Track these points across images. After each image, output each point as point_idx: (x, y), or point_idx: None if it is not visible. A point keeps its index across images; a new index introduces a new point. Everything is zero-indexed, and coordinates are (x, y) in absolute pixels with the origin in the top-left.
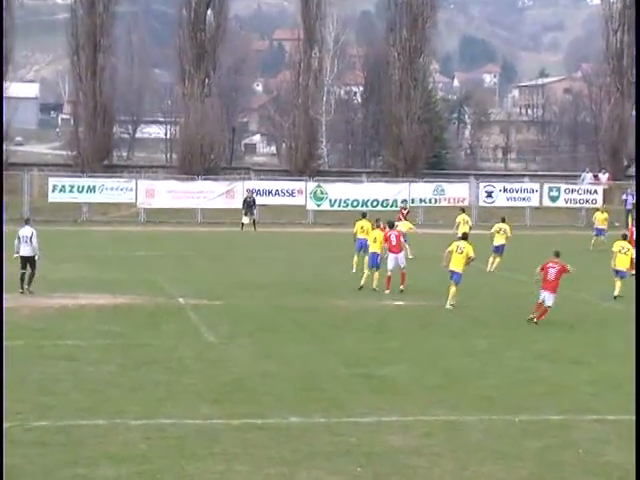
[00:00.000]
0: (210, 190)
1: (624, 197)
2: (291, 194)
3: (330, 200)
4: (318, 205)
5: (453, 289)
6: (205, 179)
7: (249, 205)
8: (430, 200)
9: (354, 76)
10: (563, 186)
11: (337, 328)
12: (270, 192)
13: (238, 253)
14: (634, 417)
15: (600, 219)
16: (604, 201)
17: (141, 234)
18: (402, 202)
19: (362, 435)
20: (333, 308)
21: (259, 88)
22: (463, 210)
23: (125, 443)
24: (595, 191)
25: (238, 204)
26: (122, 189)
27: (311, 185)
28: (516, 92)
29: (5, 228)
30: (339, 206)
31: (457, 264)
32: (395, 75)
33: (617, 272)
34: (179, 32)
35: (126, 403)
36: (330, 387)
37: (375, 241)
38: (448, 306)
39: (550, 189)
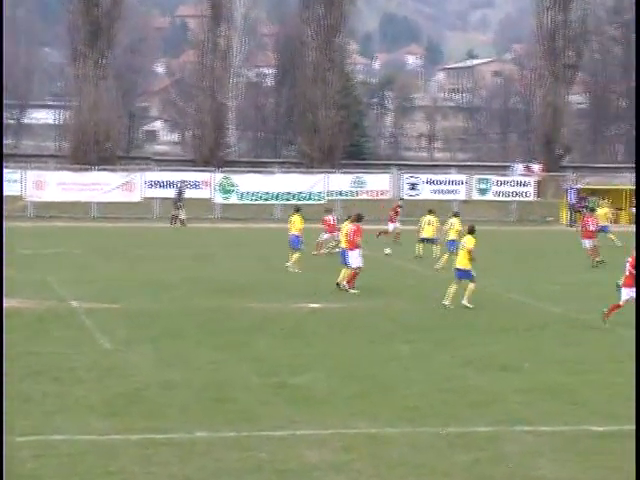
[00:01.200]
0: (106, 182)
1: (566, 187)
2: (196, 186)
3: (239, 193)
4: (226, 198)
5: (454, 288)
6: (100, 170)
7: (181, 197)
8: (349, 193)
9: (265, 57)
10: (493, 178)
11: (249, 333)
12: (173, 184)
13: (139, 251)
14: (567, 428)
15: (600, 215)
16: (538, 194)
17: (29, 230)
18: (400, 199)
19: (275, 450)
20: (245, 311)
21: (160, 70)
22: (430, 211)
23: (11, 461)
24: (527, 183)
25: (137, 197)
26: (7, 180)
27: (218, 176)
28: (442, 75)
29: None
30: (249, 199)
31: (460, 261)
32: (310, 56)
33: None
34: (70, 7)
35: (11, 417)
36: (240, 398)
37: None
38: (465, 303)
39: (479, 181)
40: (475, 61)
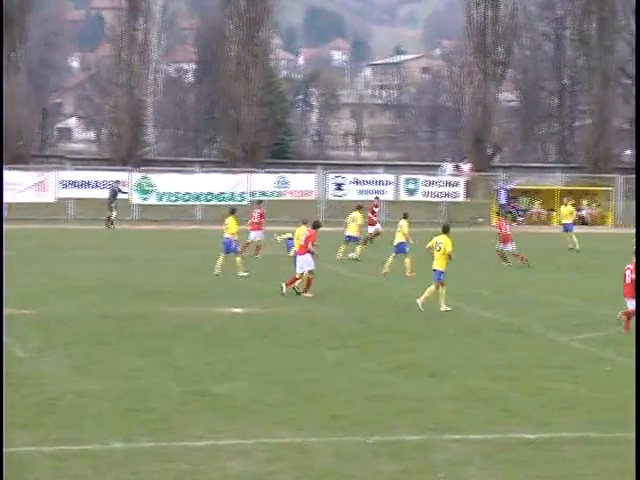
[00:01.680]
0: (17, 182)
1: (496, 187)
2: None
3: (158, 193)
4: (144, 199)
5: (432, 289)
6: (11, 169)
7: (115, 197)
8: (273, 193)
9: (185, 52)
10: (421, 177)
11: (168, 339)
12: (89, 184)
13: (53, 254)
14: (498, 436)
15: (564, 213)
16: (468, 195)
17: None
18: (375, 198)
19: (195, 461)
20: (164, 316)
21: (75, 64)
22: (359, 207)
23: None
24: (457, 183)
25: (51, 197)
26: None
27: (136, 176)
28: (369, 71)
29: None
30: (168, 200)
31: (438, 262)
32: (232, 51)
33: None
34: None
35: None
36: (159, 407)
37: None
38: (445, 308)
39: (407, 181)
40: (403, 57)
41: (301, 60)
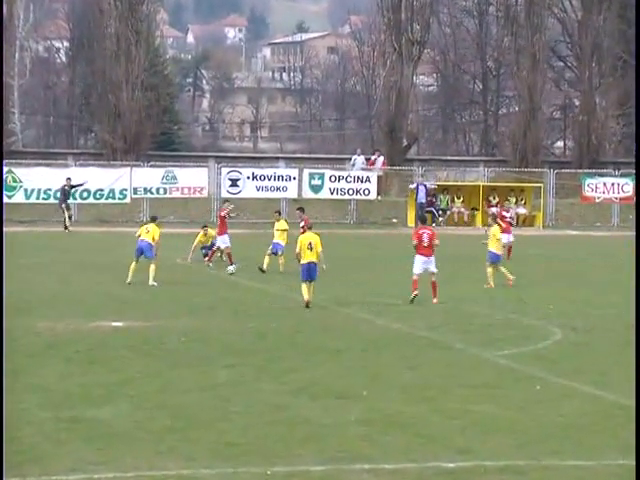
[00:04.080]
0: None
1: (413, 187)
2: None
3: (26, 190)
4: (9, 197)
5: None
6: None
7: (67, 196)
8: (158, 190)
9: (57, 27)
10: (328, 172)
11: (34, 358)
12: None
13: None
14: (414, 465)
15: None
16: (381, 192)
17: None
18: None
19: None
20: (30, 331)
21: None
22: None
23: None
24: (368, 178)
25: None
26: None
27: None
28: (267, 51)
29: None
30: (37, 198)
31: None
32: (111, 27)
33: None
34: None
35: None
36: (25, 435)
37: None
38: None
39: (311, 176)
40: (306, 35)
41: (190, 38)
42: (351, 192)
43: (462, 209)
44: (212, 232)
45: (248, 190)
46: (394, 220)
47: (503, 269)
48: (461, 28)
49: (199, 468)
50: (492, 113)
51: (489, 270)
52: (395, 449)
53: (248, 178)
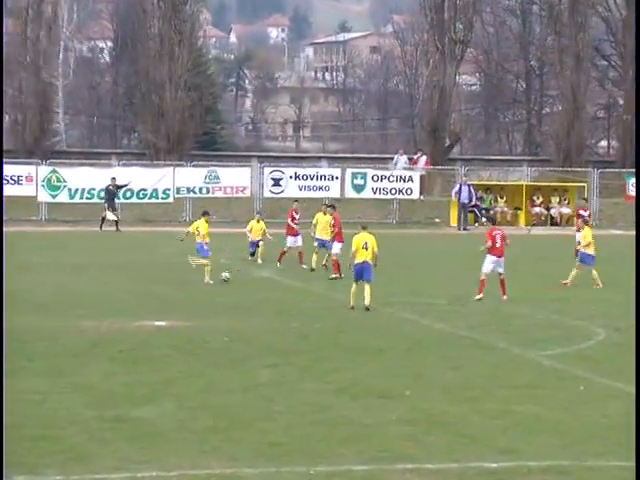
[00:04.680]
0: None
1: (455, 190)
2: (17, 181)
3: (70, 190)
4: (53, 196)
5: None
6: None
7: (112, 197)
8: (201, 190)
9: (101, 28)
10: (370, 172)
11: (80, 357)
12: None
13: None
14: (456, 465)
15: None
16: (424, 191)
17: None
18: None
19: None
20: (75, 331)
21: None
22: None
23: None
24: (411, 178)
25: None
26: None
27: (44, 170)
28: (310, 51)
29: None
30: (81, 198)
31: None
32: (154, 27)
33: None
34: None
35: None
36: (69, 434)
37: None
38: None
39: (354, 176)
40: (349, 35)
41: (233, 38)
42: (393, 192)
43: (505, 209)
44: (262, 225)
45: (291, 189)
46: (437, 220)
47: (594, 273)
48: (504, 27)
49: (242, 467)
50: (535, 112)
51: (576, 272)
52: (437, 449)
53: (290, 177)
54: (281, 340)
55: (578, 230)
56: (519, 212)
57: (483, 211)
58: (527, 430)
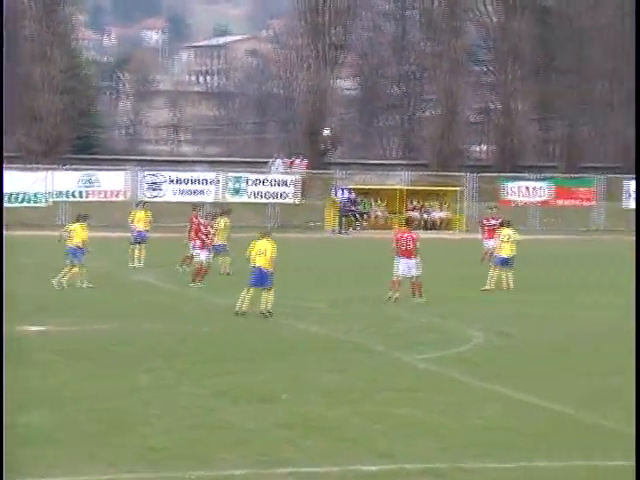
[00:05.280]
0: None
1: (335, 194)
2: None
3: None
4: None
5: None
6: None
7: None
8: (77, 194)
9: None
10: (249, 176)
11: None
12: None
13: None
14: (336, 468)
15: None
16: (302, 195)
17: None
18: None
19: None
20: None
21: None
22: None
23: None
24: (289, 182)
25: None
26: None
27: None
28: (187, 54)
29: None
30: None
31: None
32: (28, 29)
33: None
34: None
35: None
36: None
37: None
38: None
39: (232, 179)
40: (226, 38)
41: (110, 40)
42: (272, 195)
43: (382, 212)
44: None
45: (169, 194)
46: (315, 224)
47: (508, 275)
48: (381, 32)
49: (121, 473)
50: (412, 117)
51: (496, 273)
52: (317, 453)
53: (168, 182)
54: (161, 344)
55: (490, 237)
56: (395, 216)
57: (360, 215)
58: (406, 433)
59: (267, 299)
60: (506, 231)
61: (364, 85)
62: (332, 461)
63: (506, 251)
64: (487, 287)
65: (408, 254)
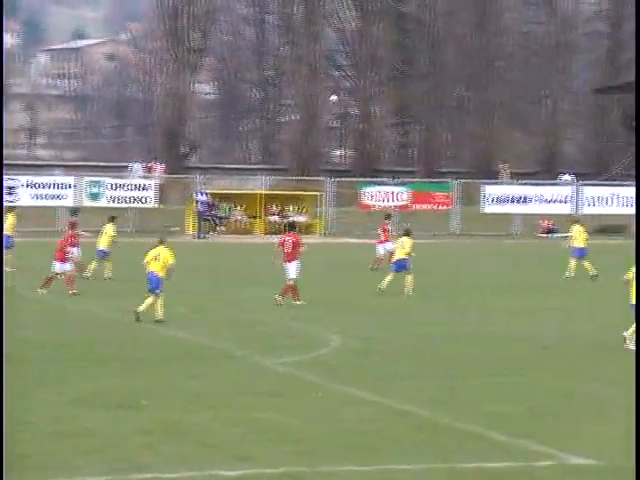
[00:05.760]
0: None
1: (197, 197)
2: None
3: None
4: None
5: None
6: None
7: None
8: None
9: None
10: (107, 180)
11: None
12: None
13: None
14: (194, 473)
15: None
16: (161, 200)
17: None
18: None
19: None
20: None
21: None
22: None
23: None
24: (147, 187)
25: None
26: None
27: None
28: (44, 57)
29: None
30: None
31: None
32: None
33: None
34: None
35: None
36: None
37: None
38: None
39: (90, 184)
40: (84, 42)
41: None
42: (130, 200)
43: (242, 217)
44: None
45: (25, 198)
46: (174, 228)
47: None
48: (240, 36)
49: None
50: (271, 121)
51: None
52: (176, 458)
53: (25, 186)
54: (18, 351)
55: (382, 242)
56: (256, 220)
57: (220, 219)
58: (266, 437)
59: (159, 305)
60: (402, 239)
61: (223, 89)
62: (192, 466)
63: (398, 256)
64: (382, 287)
65: (290, 257)
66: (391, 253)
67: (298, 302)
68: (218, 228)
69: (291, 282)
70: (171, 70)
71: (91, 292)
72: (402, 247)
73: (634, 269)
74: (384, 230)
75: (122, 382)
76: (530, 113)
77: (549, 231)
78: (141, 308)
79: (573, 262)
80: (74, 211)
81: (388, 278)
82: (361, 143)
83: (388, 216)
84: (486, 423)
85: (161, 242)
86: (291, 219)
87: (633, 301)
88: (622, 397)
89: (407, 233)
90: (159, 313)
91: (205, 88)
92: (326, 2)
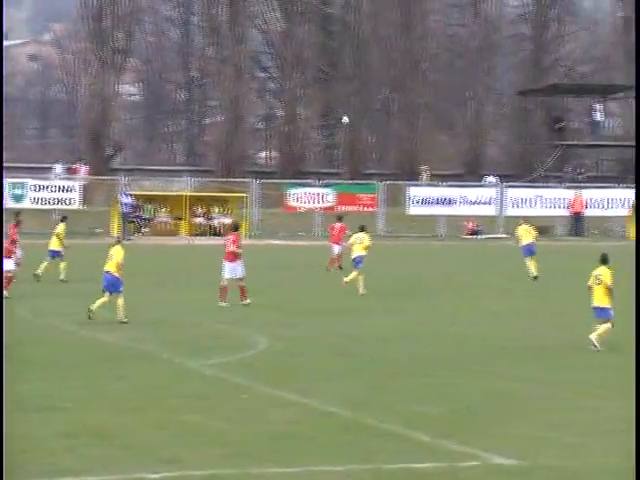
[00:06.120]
0: None
1: (122, 199)
2: None
3: None
4: None
5: (608, 327)
6: None
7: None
8: None
9: None
10: (30, 182)
11: None
12: None
13: None
14: (119, 476)
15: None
16: (85, 201)
17: None
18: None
19: None
20: None
21: None
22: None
23: None
24: (72, 188)
25: None
26: None
27: None
28: None
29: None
30: None
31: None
32: None
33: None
34: None
35: None
36: None
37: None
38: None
39: (13, 185)
40: (6, 42)
41: None
42: (54, 201)
43: (167, 219)
44: None
45: None
46: (98, 230)
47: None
48: (165, 37)
49: None
50: (196, 123)
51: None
52: (99, 461)
53: None
54: None
55: (336, 243)
56: (181, 222)
57: (144, 221)
58: (191, 440)
59: (120, 305)
60: (359, 234)
61: (148, 90)
62: (116, 469)
63: (357, 252)
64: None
65: (232, 257)
66: (339, 255)
67: (224, 304)
68: (143, 230)
69: (241, 282)
70: (95, 71)
71: (18, 294)
72: (360, 242)
73: (596, 273)
74: (340, 229)
75: (44, 385)
76: (455, 115)
77: (474, 232)
78: (94, 307)
79: (528, 261)
80: (17, 213)
81: (354, 275)
82: (286, 145)
83: (340, 218)
84: (411, 423)
85: (118, 242)
86: (216, 221)
87: (596, 304)
88: (547, 398)
89: (362, 229)
90: (121, 314)
91: (130, 89)
92: (251, 3)
